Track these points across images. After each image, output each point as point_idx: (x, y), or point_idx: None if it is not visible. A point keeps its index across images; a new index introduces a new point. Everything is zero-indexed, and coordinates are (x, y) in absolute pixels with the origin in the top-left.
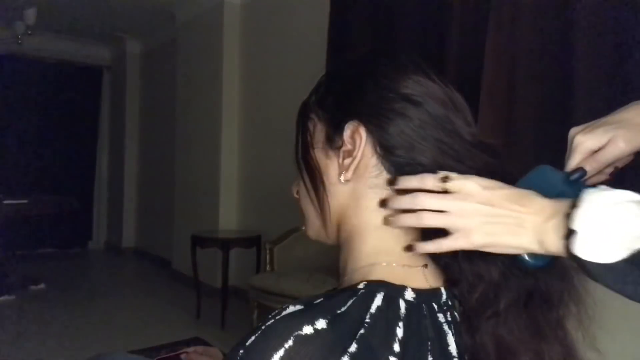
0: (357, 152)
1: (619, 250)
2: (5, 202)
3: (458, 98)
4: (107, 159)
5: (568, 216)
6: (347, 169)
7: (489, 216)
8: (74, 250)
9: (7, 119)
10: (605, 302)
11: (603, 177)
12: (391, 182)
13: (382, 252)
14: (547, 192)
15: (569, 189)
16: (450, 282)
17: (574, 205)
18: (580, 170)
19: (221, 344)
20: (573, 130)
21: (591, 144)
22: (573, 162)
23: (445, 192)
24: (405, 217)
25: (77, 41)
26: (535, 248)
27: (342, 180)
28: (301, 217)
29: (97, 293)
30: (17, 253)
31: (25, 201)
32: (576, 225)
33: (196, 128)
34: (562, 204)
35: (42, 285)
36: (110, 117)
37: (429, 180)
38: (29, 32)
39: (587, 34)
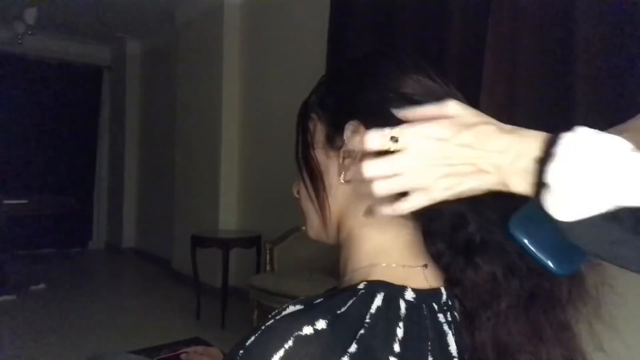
0: (357, 152)
1: (596, 206)
2: (5, 202)
3: (459, 98)
4: (107, 159)
5: (540, 161)
6: (347, 169)
7: (444, 166)
8: (74, 250)
9: (7, 119)
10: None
11: None
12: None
13: (381, 252)
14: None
15: None
16: (451, 282)
17: (547, 151)
18: None
19: (221, 344)
20: None
21: None
22: None
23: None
24: (363, 187)
25: (77, 41)
26: (500, 188)
27: (342, 181)
28: (301, 217)
29: (97, 293)
30: (17, 253)
31: (25, 201)
32: (550, 178)
33: (196, 128)
34: (531, 141)
35: (42, 285)
36: (110, 117)
37: (376, 141)
38: (29, 32)
39: (587, 34)
